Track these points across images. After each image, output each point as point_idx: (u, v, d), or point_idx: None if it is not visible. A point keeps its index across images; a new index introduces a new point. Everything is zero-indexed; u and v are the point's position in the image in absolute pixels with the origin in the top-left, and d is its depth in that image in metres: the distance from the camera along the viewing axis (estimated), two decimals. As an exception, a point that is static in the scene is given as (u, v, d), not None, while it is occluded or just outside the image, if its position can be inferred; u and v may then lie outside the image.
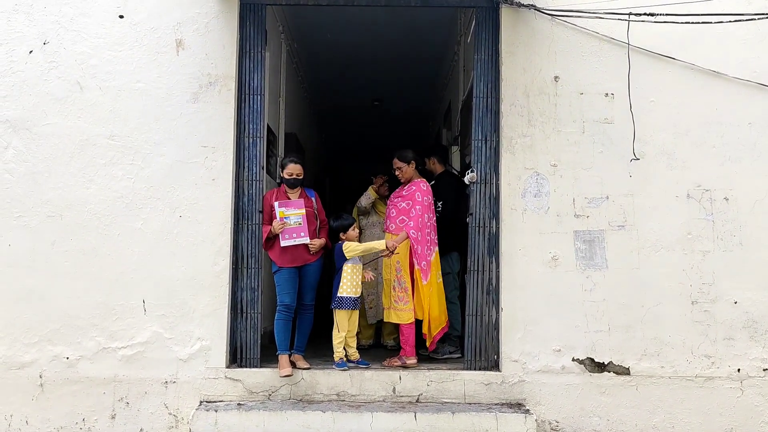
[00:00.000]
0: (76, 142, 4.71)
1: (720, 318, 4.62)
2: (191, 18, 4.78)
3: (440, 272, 5.09)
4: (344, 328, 4.84)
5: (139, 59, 4.76)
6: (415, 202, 5.01)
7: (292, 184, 4.91)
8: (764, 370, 4.59)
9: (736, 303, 4.63)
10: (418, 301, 4.92)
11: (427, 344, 5.03)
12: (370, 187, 6.20)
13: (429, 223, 5.02)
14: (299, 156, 5.16)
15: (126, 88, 4.74)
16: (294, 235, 4.75)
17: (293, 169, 4.90)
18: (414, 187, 5.12)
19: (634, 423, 4.57)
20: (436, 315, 4.96)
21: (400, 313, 5.03)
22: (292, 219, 4.77)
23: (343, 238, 4.93)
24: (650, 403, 4.58)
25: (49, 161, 4.70)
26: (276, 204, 4.78)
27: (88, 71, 4.75)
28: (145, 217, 4.67)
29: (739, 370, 4.59)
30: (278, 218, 4.74)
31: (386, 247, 4.83)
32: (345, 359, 4.80)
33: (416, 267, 4.91)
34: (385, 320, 5.29)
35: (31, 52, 4.76)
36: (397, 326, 6.29)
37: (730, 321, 4.62)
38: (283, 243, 4.73)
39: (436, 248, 5.07)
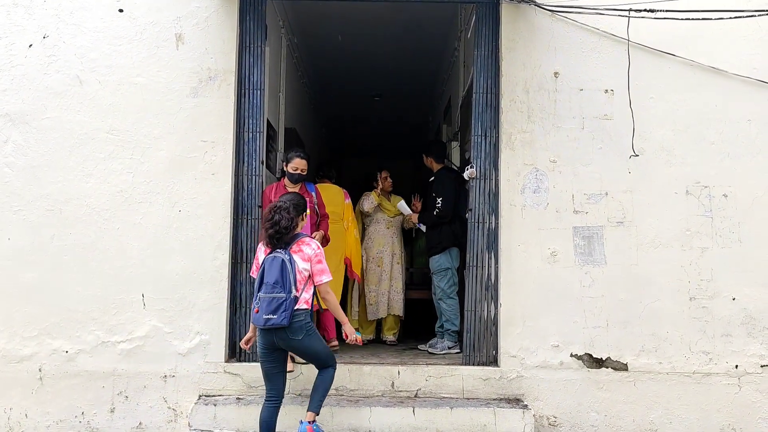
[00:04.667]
0: (76, 136, 4.71)
1: (718, 314, 4.63)
2: (191, 12, 4.77)
3: None
4: None
5: (139, 53, 4.76)
6: None
7: (296, 179, 4.87)
8: (762, 366, 4.61)
9: (734, 299, 4.64)
10: None
11: None
12: (372, 192, 6.18)
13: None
14: (305, 151, 5.10)
15: (125, 83, 4.74)
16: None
17: (299, 164, 4.82)
18: None
19: (631, 419, 4.58)
20: None
21: None
22: None
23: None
24: (648, 399, 4.59)
25: (49, 155, 4.70)
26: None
27: (88, 65, 4.75)
28: (145, 212, 4.68)
29: (736, 366, 4.61)
30: None
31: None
32: None
33: None
34: None
35: (30, 45, 4.76)
36: (396, 322, 6.33)
37: (728, 317, 4.63)
38: None
39: None
